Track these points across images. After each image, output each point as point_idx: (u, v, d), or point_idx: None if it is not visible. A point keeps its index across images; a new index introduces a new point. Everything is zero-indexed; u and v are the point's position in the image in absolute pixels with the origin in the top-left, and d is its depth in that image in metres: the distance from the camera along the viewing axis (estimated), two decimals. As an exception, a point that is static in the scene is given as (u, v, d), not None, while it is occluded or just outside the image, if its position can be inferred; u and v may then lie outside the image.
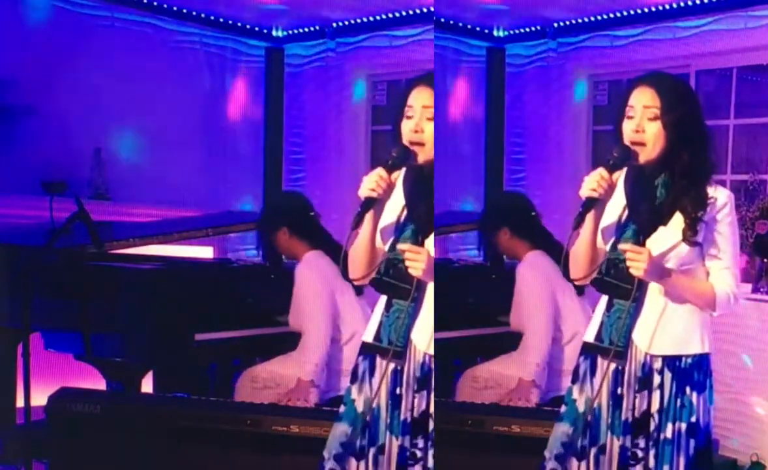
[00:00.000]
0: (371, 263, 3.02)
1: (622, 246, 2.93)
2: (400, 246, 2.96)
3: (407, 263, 2.93)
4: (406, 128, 2.97)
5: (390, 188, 2.93)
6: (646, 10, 5.92)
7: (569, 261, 3.04)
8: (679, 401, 2.98)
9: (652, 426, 2.98)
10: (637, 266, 2.89)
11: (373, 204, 2.92)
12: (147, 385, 4.86)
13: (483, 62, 6.55)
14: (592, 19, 6.20)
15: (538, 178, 6.44)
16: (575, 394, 3.05)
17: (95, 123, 6.06)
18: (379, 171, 2.91)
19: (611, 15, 6.11)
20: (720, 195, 2.98)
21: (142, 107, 6.28)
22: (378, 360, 3.04)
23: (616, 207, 3.00)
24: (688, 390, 2.99)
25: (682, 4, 5.74)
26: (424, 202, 3.00)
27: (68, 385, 4.36)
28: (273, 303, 4.98)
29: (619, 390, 3.00)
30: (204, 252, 6.29)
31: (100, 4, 6.15)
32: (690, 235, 2.93)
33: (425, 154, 2.98)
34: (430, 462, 3.03)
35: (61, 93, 5.89)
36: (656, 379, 2.98)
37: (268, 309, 4.96)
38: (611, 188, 2.90)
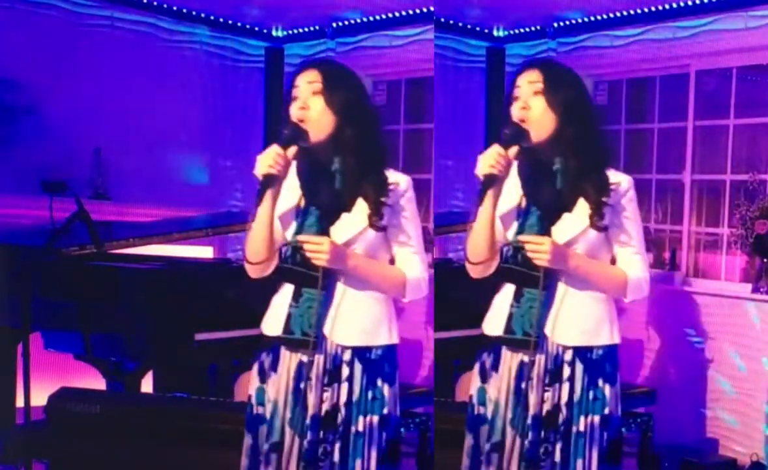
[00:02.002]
0: (270, 246, 2.93)
1: (521, 238, 2.90)
2: (300, 237, 2.89)
3: (309, 254, 2.86)
4: (293, 108, 2.91)
5: (287, 165, 2.86)
6: (646, 10, 5.92)
7: (467, 244, 2.99)
8: (591, 393, 2.94)
9: (561, 419, 2.93)
10: (539, 257, 2.87)
11: (273, 182, 2.85)
12: (147, 385, 4.87)
13: (483, 62, 6.55)
14: (592, 19, 6.20)
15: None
16: (491, 392, 2.99)
17: (95, 123, 6.06)
18: (275, 148, 2.84)
19: (611, 15, 6.11)
20: (623, 180, 2.96)
21: (142, 107, 6.28)
22: (284, 352, 2.94)
23: (512, 193, 2.96)
24: (600, 382, 2.95)
25: (682, 4, 5.74)
26: (326, 185, 2.90)
27: (68, 385, 4.37)
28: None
29: (523, 385, 2.93)
30: (204, 252, 6.29)
31: (100, 4, 6.15)
32: (597, 220, 2.90)
33: (316, 133, 2.89)
34: (338, 456, 2.89)
35: (61, 93, 5.89)
36: (566, 371, 2.94)
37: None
38: (508, 164, 2.87)
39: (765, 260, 5.28)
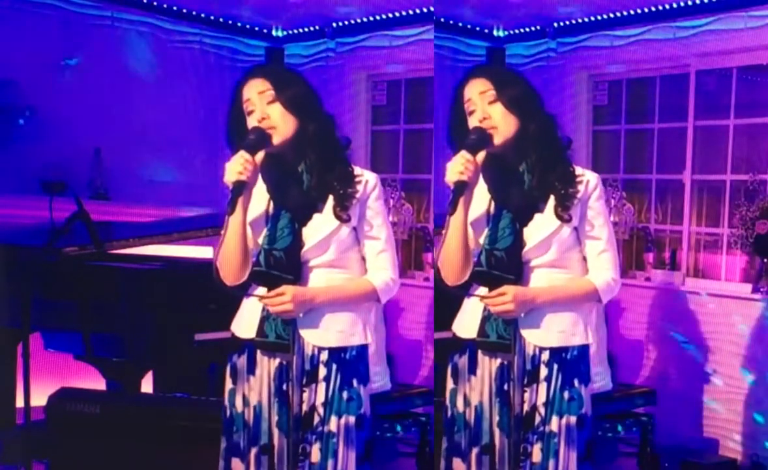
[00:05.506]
0: (245, 260, 2.90)
1: (484, 301, 2.91)
2: (264, 301, 2.88)
3: (274, 311, 2.85)
4: (252, 121, 2.87)
5: (255, 170, 2.83)
6: (646, 10, 5.92)
7: (440, 264, 2.97)
8: (567, 394, 2.94)
9: (538, 420, 2.93)
10: (507, 312, 2.88)
11: (244, 189, 2.81)
12: (147, 385, 4.87)
13: (483, 62, 6.55)
14: (592, 19, 6.20)
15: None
16: (473, 396, 2.99)
17: (95, 123, 6.06)
18: (243, 154, 2.79)
19: (611, 15, 6.11)
20: (591, 176, 2.97)
21: (142, 107, 6.28)
22: (259, 356, 2.93)
23: (481, 199, 2.96)
24: (576, 382, 2.95)
25: (682, 4, 5.74)
26: (294, 186, 2.90)
27: (68, 385, 4.37)
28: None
29: (505, 386, 2.93)
30: (204, 252, 6.28)
31: (100, 4, 6.15)
32: (561, 211, 2.89)
33: (280, 137, 2.87)
34: (316, 456, 2.88)
35: (61, 93, 5.89)
36: (543, 372, 2.94)
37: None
38: (477, 170, 2.86)
39: (765, 260, 5.28)
